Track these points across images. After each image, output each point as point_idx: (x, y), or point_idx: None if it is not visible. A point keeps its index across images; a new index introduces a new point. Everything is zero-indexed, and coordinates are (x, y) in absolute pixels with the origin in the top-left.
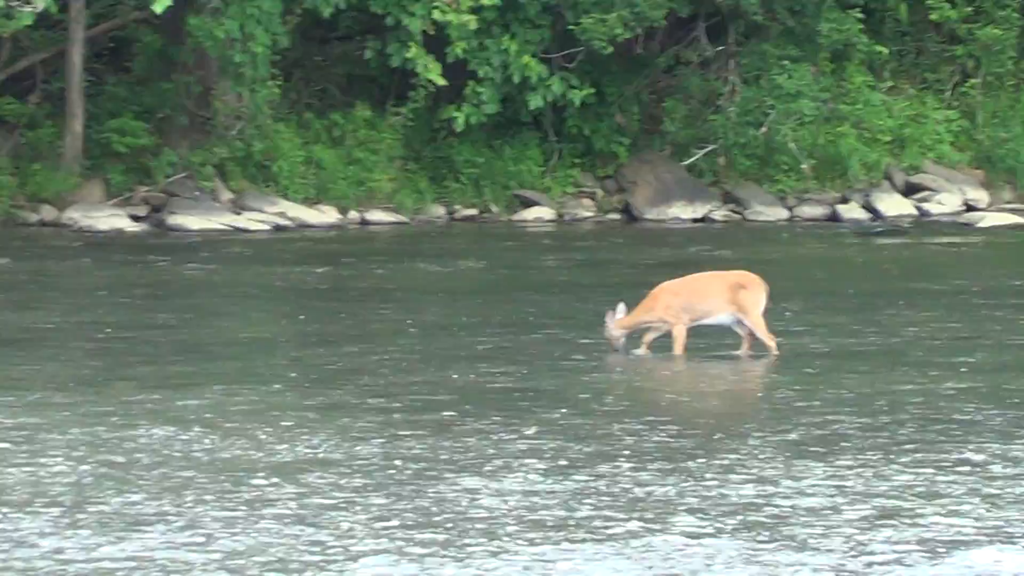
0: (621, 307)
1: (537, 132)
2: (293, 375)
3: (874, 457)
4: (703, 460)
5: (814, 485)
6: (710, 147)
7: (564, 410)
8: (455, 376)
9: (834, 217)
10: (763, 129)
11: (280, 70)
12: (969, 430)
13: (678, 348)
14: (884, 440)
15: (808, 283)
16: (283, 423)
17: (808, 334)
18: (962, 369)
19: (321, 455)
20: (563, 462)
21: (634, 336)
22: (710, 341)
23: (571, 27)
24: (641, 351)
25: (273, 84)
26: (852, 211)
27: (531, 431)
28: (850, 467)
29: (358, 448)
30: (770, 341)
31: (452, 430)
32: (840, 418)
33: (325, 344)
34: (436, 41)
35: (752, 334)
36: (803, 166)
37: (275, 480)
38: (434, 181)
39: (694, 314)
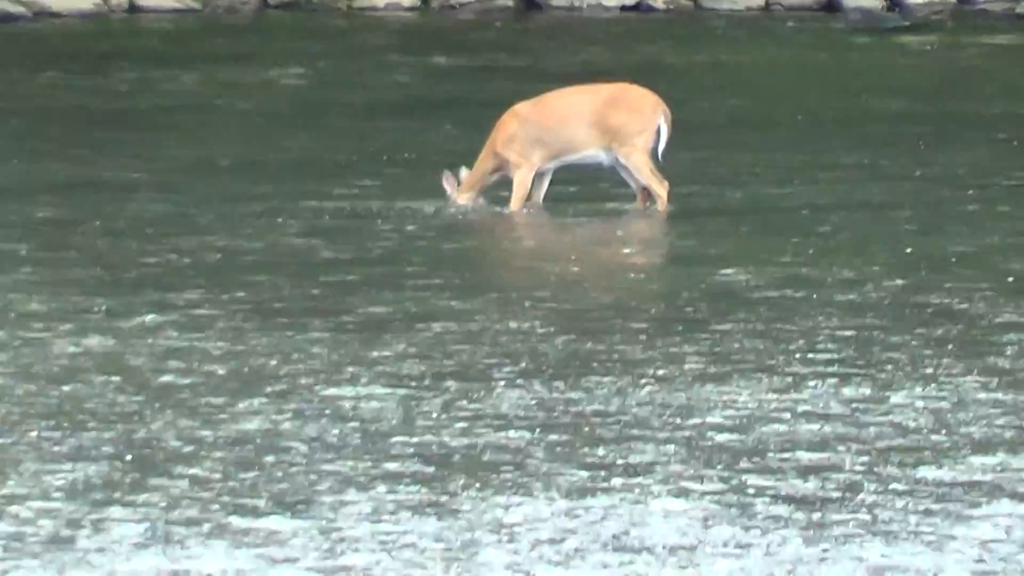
0: (463, 172)
1: None
2: (27, 247)
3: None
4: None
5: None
6: None
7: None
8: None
9: (832, 4)
10: None
11: None
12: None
13: (515, 201)
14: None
15: (790, 105)
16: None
17: (777, 183)
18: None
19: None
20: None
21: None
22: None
23: None
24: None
25: None
26: None
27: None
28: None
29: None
30: (660, 187)
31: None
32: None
33: (68, 194)
34: None
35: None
36: None
37: None
38: None
39: (550, 148)
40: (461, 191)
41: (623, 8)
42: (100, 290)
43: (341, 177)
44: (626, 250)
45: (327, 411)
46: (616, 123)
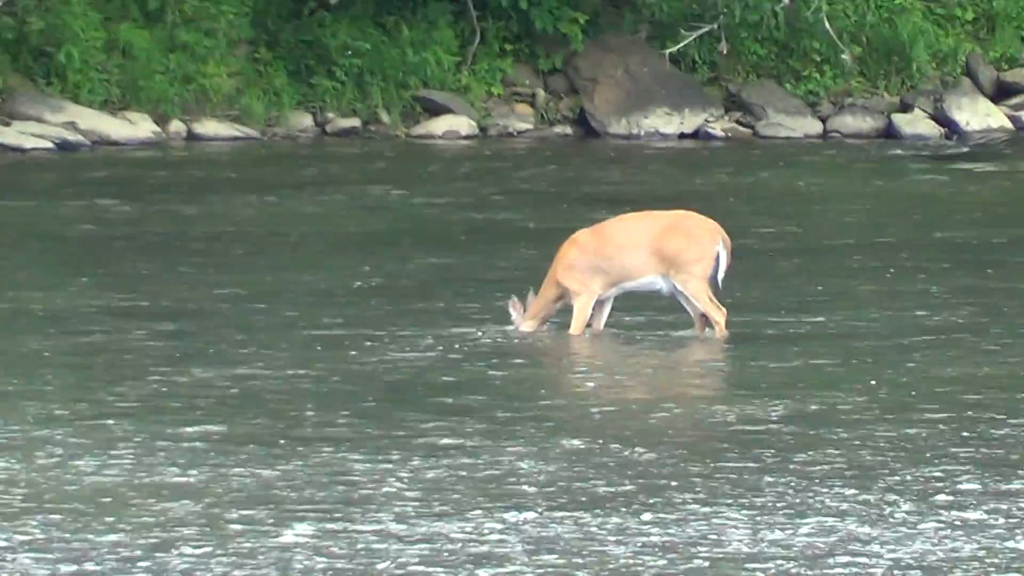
0: (531, 295)
1: (449, 3)
2: (82, 371)
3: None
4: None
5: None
6: (705, 28)
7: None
8: (314, 366)
9: (890, 132)
10: (785, 0)
11: None
12: None
13: (574, 327)
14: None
15: (847, 231)
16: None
17: (829, 308)
18: None
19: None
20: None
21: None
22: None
23: None
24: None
25: None
26: (916, 123)
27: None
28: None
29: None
30: (718, 314)
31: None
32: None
33: (136, 319)
34: None
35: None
36: (844, 56)
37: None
38: (296, 77)
39: (609, 276)
40: (525, 318)
41: (681, 135)
42: (120, 421)
43: (364, 305)
44: (665, 378)
45: (376, 541)
46: (674, 250)
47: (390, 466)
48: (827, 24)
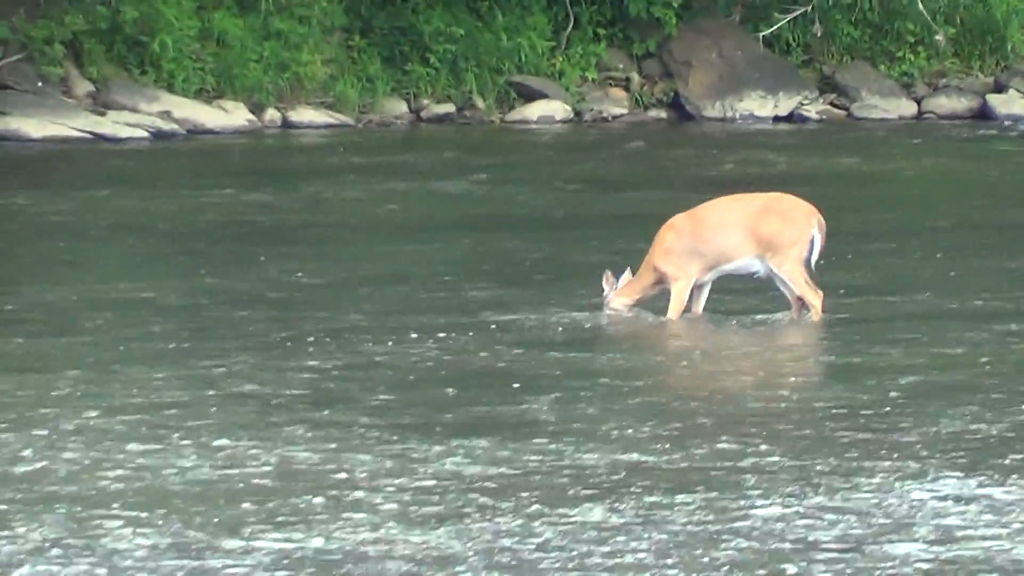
0: (628, 272)
1: None
2: (183, 354)
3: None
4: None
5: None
6: (799, 10)
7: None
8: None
9: (984, 113)
10: None
11: None
12: None
13: (672, 311)
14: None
15: (941, 212)
16: (172, 437)
17: (923, 287)
18: None
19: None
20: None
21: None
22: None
23: None
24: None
25: None
26: (1011, 103)
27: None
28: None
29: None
30: (814, 297)
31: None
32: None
33: (232, 307)
34: None
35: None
36: (938, 37)
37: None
38: (391, 63)
39: (705, 259)
40: (618, 294)
41: (776, 118)
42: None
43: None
44: (755, 361)
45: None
46: (769, 233)
47: (507, 452)
48: (920, 5)
